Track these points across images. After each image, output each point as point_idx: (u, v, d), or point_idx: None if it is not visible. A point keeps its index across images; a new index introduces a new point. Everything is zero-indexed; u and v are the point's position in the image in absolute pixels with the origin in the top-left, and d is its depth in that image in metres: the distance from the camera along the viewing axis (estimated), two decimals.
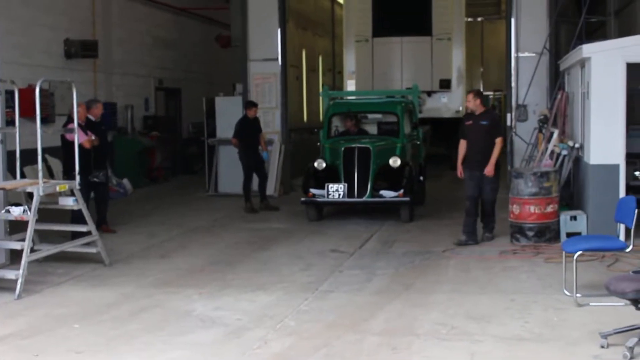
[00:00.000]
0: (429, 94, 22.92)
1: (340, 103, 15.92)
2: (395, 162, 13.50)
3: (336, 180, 13.40)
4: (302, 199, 13.61)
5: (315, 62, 24.39)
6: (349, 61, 23.11)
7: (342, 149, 13.67)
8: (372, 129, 15.82)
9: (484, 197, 11.38)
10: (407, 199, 13.18)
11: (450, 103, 23.02)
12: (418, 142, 15.60)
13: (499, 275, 9.43)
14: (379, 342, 6.87)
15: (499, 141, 11.25)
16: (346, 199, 13.23)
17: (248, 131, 15.24)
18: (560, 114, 13.61)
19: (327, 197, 13.24)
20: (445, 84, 22.82)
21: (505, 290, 8.71)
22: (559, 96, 13.95)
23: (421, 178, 15.24)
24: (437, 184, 18.99)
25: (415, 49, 22.63)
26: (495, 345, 6.75)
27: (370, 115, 16.38)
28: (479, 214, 11.50)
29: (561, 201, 11.60)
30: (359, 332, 7.18)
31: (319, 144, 14.77)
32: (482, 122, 11.27)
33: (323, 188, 13.28)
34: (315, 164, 13.77)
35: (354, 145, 13.71)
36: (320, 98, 16.03)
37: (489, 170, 11.15)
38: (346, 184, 13.21)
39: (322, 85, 17.17)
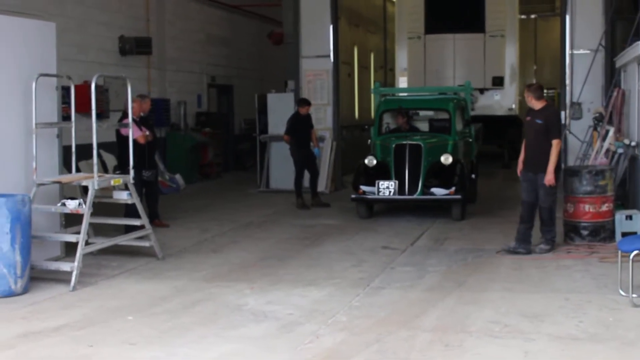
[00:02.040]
0: (482, 91, 22.78)
1: (392, 100, 15.69)
2: (446, 159, 13.31)
3: (387, 177, 13.27)
4: (352, 195, 13.52)
5: (367, 59, 24.37)
6: (401, 58, 23.05)
7: (393, 145, 13.52)
8: (424, 126, 15.65)
9: (539, 203, 10.49)
10: (458, 196, 13.01)
11: (503, 101, 22.86)
12: (470, 140, 15.38)
13: (553, 274, 9.31)
14: (431, 338, 6.83)
15: (555, 143, 10.28)
16: (397, 197, 13.13)
17: (299, 128, 15.25)
18: (616, 111, 13.40)
19: (378, 194, 13.14)
20: (498, 82, 22.65)
21: (559, 289, 8.59)
22: (615, 93, 13.74)
23: (473, 176, 14.94)
24: (490, 182, 18.85)
25: (468, 46, 22.49)
26: (549, 344, 6.67)
27: (421, 113, 16.18)
28: (533, 222, 10.55)
29: (616, 200, 11.40)
30: (411, 329, 7.15)
31: (369, 140, 14.67)
32: (537, 120, 10.45)
33: (373, 185, 13.19)
34: (366, 161, 13.63)
35: (405, 142, 13.56)
36: (372, 95, 15.91)
37: (548, 179, 10.21)
38: (397, 181, 13.11)
39: (374, 81, 16.99)
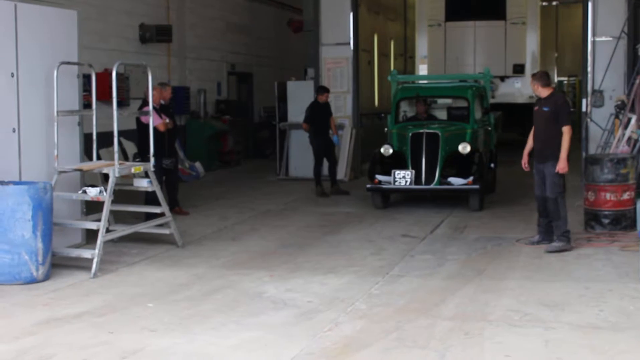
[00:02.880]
0: (502, 79, 22.68)
1: (409, 87, 15.37)
2: (464, 148, 13.07)
3: (403, 166, 13.05)
4: (368, 185, 13.28)
5: (387, 46, 24.28)
6: (421, 46, 22.98)
7: (410, 134, 13.27)
8: (442, 115, 15.45)
9: (546, 193, 10.00)
10: (476, 186, 12.75)
11: (524, 88, 22.73)
12: (489, 128, 15.06)
13: (573, 263, 9.27)
14: (451, 326, 6.83)
15: (566, 130, 9.84)
16: (413, 186, 12.89)
17: (318, 116, 15.26)
18: (639, 99, 13.28)
19: (394, 184, 12.90)
20: (519, 69, 22.54)
21: (580, 278, 8.56)
22: (637, 81, 13.62)
23: (492, 165, 14.76)
24: (510, 170, 18.73)
25: (488, 34, 22.40)
26: (570, 332, 6.64)
27: (440, 101, 15.93)
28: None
29: (637, 188, 11.32)
30: (430, 317, 7.14)
31: (386, 129, 14.52)
32: (544, 107, 10.07)
33: (389, 174, 12.98)
34: (382, 150, 13.42)
35: (421, 131, 13.29)
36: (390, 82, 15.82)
37: (561, 167, 9.82)
38: (413, 171, 12.87)
39: (392, 69, 16.75)
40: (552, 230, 10.09)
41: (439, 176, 12.89)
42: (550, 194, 9.93)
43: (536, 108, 10.31)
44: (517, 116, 22.36)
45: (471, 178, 12.78)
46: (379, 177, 13.13)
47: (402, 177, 12.82)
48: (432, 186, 12.96)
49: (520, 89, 22.76)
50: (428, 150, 13.04)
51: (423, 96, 14.95)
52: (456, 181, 12.87)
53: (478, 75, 16.64)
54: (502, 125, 20.46)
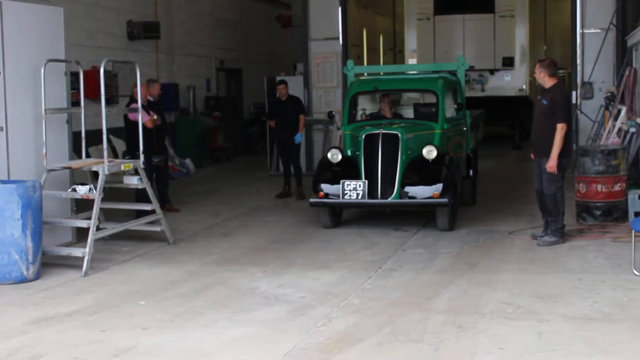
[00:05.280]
0: (492, 72, 22.69)
1: (366, 80, 13.04)
2: (429, 152, 10.86)
3: (355, 175, 10.87)
4: (311, 200, 11.07)
5: (376, 41, 24.30)
6: (410, 40, 22.97)
7: (363, 136, 11.01)
8: (411, 113, 12.77)
9: (543, 190, 9.79)
10: (444, 200, 10.50)
11: (513, 81, 22.78)
12: (464, 129, 12.68)
13: (566, 255, 9.26)
14: (444, 320, 6.81)
15: (559, 127, 9.48)
16: (366, 200, 10.68)
17: (278, 112, 14.43)
18: (628, 90, 13.30)
19: (343, 197, 10.69)
20: (508, 62, 22.57)
21: (573, 269, 8.56)
22: (627, 73, 13.64)
23: (470, 173, 12.72)
24: (501, 163, 18.79)
25: (477, 27, 22.40)
26: (563, 324, 6.63)
27: (409, 96, 13.32)
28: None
29: (628, 180, 11.33)
30: (424, 311, 7.12)
31: (338, 129, 12.51)
32: (543, 100, 9.75)
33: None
34: (329, 155, 11.21)
35: (377, 132, 10.97)
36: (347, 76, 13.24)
37: (550, 165, 9.51)
38: (366, 181, 10.72)
39: (347, 60, 13.87)
40: None
41: (398, 188, 10.69)
42: (547, 190, 9.74)
43: (538, 98, 10.12)
44: (507, 109, 22.42)
45: (438, 189, 10.58)
46: (325, 188, 10.93)
47: (353, 189, 10.67)
48: (389, 200, 10.72)
49: (510, 82, 22.78)
50: (385, 155, 10.81)
51: (382, 90, 12.50)
52: (420, 192, 10.69)
53: (452, 65, 14.35)
54: (484, 123, 18.69)
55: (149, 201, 10.27)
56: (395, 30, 26.32)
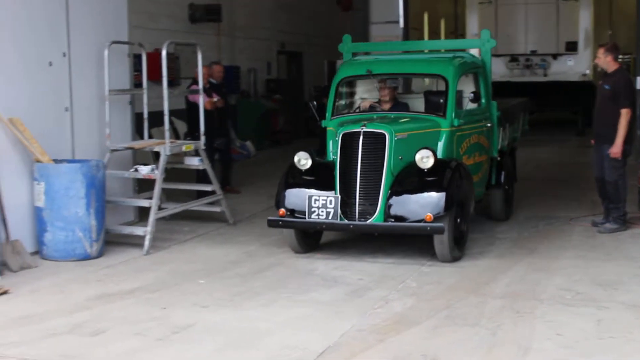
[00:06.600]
0: (555, 56, 22.35)
1: (357, 62, 10.09)
2: (424, 159, 8.20)
3: (329, 186, 8.38)
4: (269, 218, 8.52)
5: (437, 25, 24.11)
6: (472, 24, 22.73)
7: (340, 134, 8.50)
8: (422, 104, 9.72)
9: (605, 177, 9.55)
10: (440, 225, 7.93)
11: (577, 66, 22.39)
12: (488, 124, 9.83)
13: (627, 242, 9.13)
14: (502, 305, 6.78)
15: (624, 113, 9.23)
16: (338, 221, 8.13)
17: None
18: None
19: (309, 216, 8.20)
20: (572, 47, 22.18)
21: (634, 257, 8.44)
22: None
23: (502, 179, 10.30)
24: (563, 149, 18.55)
25: (540, 11, 22.07)
26: (623, 312, 6.56)
27: (418, 84, 10.98)
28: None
29: None
30: (481, 295, 7.11)
31: (319, 124, 9.70)
32: (605, 85, 9.50)
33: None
34: (296, 160, 8.72)
35: (356, 130, 8.33)
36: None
37: (614, 151, 9.29)
38: (339, 196, 8.19)
39: (344, 35, 10.91)
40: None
41: (382, 206, 8.13)
42: (609, 177, 9.52)
43: (600, 84, 9.89)
44: (570, 95, 22.08)
45: (433, 209, 7.98)
46: (290, 203, 8.46)
47: (322, 206, 8.16)
48: (370, 222, 8.14)
49: (573, 67, 22.42)
50: (367, 161, 8.25)
51: (377, 75, 9.55)
52: (411, 212, 8.12)
53: (474, 42, 12.09)
54: (530, 113, 14.18)
55: (209, 182, 10.39)
56: (457, 14, 26.09)
